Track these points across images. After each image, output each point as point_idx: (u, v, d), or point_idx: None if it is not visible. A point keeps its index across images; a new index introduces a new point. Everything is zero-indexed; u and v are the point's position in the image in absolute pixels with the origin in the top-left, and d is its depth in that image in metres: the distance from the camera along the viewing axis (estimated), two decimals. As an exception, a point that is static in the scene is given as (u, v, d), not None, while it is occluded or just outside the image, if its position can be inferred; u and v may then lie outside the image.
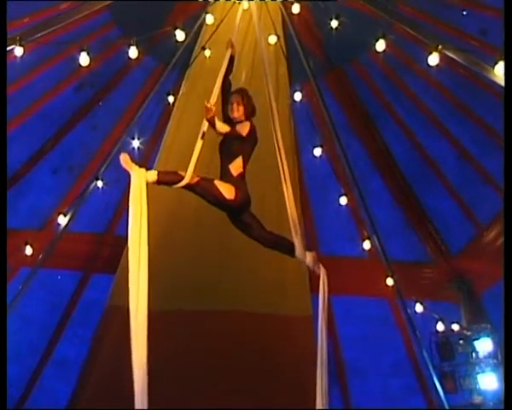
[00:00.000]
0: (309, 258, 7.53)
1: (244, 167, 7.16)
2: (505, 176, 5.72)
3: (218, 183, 6.95)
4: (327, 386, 7.15)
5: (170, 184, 6.82)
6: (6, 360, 5.76)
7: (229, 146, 7.24)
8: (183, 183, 6.74)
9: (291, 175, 11.07)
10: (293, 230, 7.36)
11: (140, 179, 6.44)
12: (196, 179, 6.85)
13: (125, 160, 6.55)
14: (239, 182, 7.04)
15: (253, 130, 7.25)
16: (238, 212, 7.19)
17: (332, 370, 14.53)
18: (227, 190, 6.92)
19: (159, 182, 6.68)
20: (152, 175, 6.56)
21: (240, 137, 7.16)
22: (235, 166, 7.12)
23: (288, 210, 7.53)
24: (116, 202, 13.91)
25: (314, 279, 12.93)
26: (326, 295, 7.68)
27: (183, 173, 6.76)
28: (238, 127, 7.23)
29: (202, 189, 6.92)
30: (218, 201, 6.98)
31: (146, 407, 5.76)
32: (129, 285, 5.93)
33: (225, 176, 7.10)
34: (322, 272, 7.68)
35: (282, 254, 7.64)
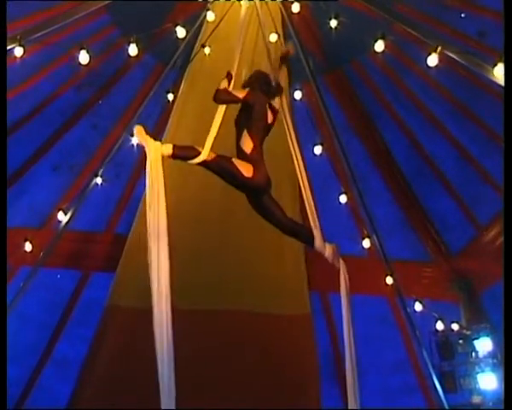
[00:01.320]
0: (328, 250, 7.36)
1: (255, 144, 6.98)
2: (505, 176, 5.72)
3: (236, 160, 6.80)
4: (356, 386, 7.01)
5: (186, 159, 6.67)
6: (6, 360, 5.75)
7: (236, 121, 7.16)
8: (200, 158, 6.62)
9: (292, 173, 11.13)
10: (311, 221, 7.26)
11: (156, 153, 6.32)
12: (213, 156, 6.70)
13: (139, 132, 6.46)
14: (255, 160, 6.87)
15: (251, 97, 7.10)
16: (258, 192, 7.01)
17: (332, 369, 14.62)
18: (245, 168, 6.77)
19: (174, 156, 6.56)
20: (167, 148, 6.46)
21: (242, 106, 7.09)
22: (245, 144, 6.96)
23: (306, 202, 7.43)
24: (116, 201, 13.93)
25: (312, 277, 13.08)
26: (348, 291, 7.54)
27: (200, 149, 6.63)
28: (235, 91, 7.19)
29: (219, 166, 6.77)
30: (235, 179, 6.82)
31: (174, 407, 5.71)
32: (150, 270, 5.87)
33: (240, 155, 6.94)
34: (343, 268, 7.52)
35: (301, 243, 7.46)
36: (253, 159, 6.88)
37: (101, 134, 13.55)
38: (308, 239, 7.28)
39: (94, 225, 14.14)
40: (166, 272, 5.92)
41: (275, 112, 7.44)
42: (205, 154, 6.60)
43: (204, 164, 6.70)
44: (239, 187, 7.02)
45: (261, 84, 7.40)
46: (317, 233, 7.14)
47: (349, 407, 6.82)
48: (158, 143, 6.42)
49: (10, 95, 10.36)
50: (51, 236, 12.47)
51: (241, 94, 7.10)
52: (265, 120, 7.22)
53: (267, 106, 7.29)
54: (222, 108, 7.29)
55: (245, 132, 7.01)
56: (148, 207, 6.07)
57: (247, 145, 6.95)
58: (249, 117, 7.06)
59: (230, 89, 7.33)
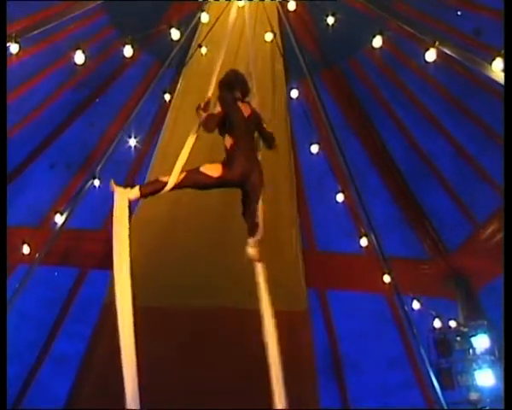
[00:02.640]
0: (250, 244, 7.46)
1: (235, 140, 7.07)
2: (505, 175, 5.73)
3: (204, 167, 6.93)
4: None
5: (155, 193, 6.86)
6: (6, 360, 5.78)
7: (220, 131, 7.25)
8: (168, 187, 6.77)
9: (288, 171, 11.14)
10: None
11: (122, 198, 6.64)
12: (182, 176, 6.84)
13: (111, 185, 6.74)
14: (232, 155, 6.98)
15: (224, 105, 7.17)
16: (238, 185, 7.14)
17: (329, 365, 14.67)
18: (213, 170, 6.91)
19: (142, 196, 6.79)
20: (134, 192, 6.70)
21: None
22: (226, 141, 7.11)
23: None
24: (112, 198, 13.93)
25: (310, 274, 13.11)
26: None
27: (165, 179, 6.78)
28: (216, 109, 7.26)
29: (190, 181, 6.93)
30: (207, 184, 6.98)
31: (138, 407, 5.79)
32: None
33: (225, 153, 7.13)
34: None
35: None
36: (231, 154, 7.01)
37: (98, 133, 13.55)
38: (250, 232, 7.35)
39: (91, 223, 14.14)
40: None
41: (248, 104, 7.50)
42: (171, 182, 6.77)
43: (175, 188, 6.85)
44: (218, 187, 7.15)
45: (230, 84, 7.47)
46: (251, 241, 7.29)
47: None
48: (126, 189, 6.68)
49: (10, 95, 10.39)
50: (48, 234, 12.51)
51: (220, 107, 7.20)
52: (240, 115, 7.27)
53: (238, 102, 7.35)
54: (191, 139, 7.43)
55: (226, 136, 7.15)
56: (114, 252, 6.47)
57: (228, 141, 7.10)
58: (227, 122, 7.16)
59: (211, 110, 7.40)
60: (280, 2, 11.46)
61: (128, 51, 9.94)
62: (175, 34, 10.53)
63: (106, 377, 12.11)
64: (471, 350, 13.05)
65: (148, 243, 12.39)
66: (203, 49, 11.34)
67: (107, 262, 13.13)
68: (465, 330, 13.25)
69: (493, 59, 8.46)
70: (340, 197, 13.01)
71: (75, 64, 9.76)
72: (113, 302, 12.48)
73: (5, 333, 6.00)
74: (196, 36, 11.67)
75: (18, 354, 13.22)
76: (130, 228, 6.39)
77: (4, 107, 7.09)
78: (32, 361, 14.35)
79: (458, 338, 13.24)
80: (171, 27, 10.44)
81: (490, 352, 12.87)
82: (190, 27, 11.32)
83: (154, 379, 11.75)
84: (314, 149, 12.76)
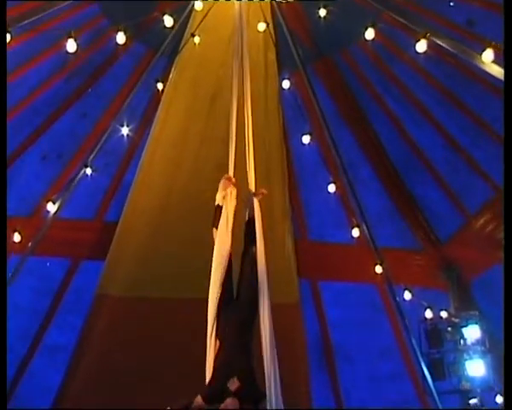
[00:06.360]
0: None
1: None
2: (505, 174, 5.73)
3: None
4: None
5: None
6: (6, 360, 5.77)
7: None
8: None
9: (280, 162, 11.12)
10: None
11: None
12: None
13: None
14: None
15: None
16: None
17: (321, 355, 14.70)
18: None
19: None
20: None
21: None
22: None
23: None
24: (105, 189, 13.92)
25: (302, 264, 13.13)
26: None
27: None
28: None
29: None
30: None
31: None
32: None
33: None
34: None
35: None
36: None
37: (90, 123, 13.50)
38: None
39: (83, 213, 14.11)
40: None
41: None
42: None
43: None
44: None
45: None
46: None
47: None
48: None
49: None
50: (40, 224, 12.48)
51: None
52: None
53: None
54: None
55: None
56: None
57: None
58: None
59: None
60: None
61: (121, 38, 9.89)
62: (168, 21, 10.48)
63: (97, 368, 12.17)
64: (462, 341, 13.11)
65: (141, 231, 12.42)
66: (196, 39, 11.32)
67: (99, 253, 13.29)
68: (456, 320, 13.31)
69: (483, 50, 8.48)
70: (332, 188, 13.01)
71: (67, 53, 9.72)
72: (104, 294, 12.57)
73: (5, 333, 5.98)
74: (189, 25, 11.63)
75: (10, 343, 13.18)
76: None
77: (4, 102, 7.04)
78: (23, 351, 14.30)
79: (449, 329, 13.30)
80: (164, 14, 10.39)
81: (481, 342, 12.95)
82: (183, 16, 11.29)
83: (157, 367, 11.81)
84: (306, 139, 12.75)
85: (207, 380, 6.72)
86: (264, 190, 7.46)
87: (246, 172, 7.84)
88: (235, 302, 7.11)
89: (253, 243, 7.14)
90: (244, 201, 7.54)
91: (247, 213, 7.54)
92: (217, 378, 6.62)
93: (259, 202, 7.37)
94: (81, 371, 12.41)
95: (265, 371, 6.57)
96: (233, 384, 6.43)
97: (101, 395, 12.05)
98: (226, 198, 7.38)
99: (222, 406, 6.29)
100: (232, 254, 7.19)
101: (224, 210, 7.31)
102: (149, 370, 11.96)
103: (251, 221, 7.32)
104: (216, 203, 7.38)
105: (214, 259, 7.13)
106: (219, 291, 6.98)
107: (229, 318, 6.96)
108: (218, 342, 6.94)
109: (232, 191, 7.43)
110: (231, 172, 7.82)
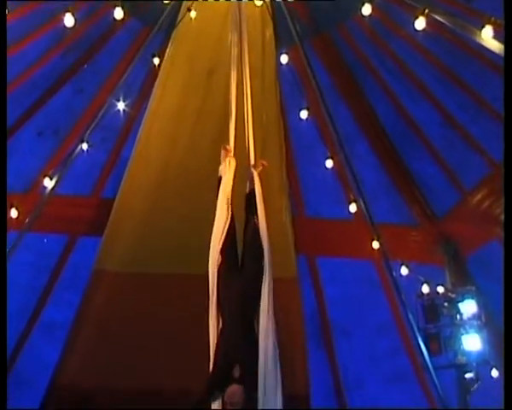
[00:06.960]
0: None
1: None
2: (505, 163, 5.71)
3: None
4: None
5: None
6: (6, 359, 5.78)
7: None
8: None
9: (278, 138, 11.07)
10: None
11: None
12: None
13: None
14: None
15: None
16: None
17: (318, 331, 14.76)
18: None
19: None
20: None
21: None
22: None
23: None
24: (102, 165, 13.90)
25: (299, 240, 13.13)
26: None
27: None
28: None
29: None
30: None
31: None
32: None
33: None
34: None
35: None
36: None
37: (86, 98, 13.44)
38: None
39: (80, 190, 14.09)
40: None
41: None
42: None
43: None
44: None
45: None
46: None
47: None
48: None
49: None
50: (37, 201, 12.45)
51: None
52: None
53: None
54: None
55: None
56: None
57: None
58: None
59: None
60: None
61: (118, 13, 9.84)
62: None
63: (94, 343, 12.22)
64: (458, 315, 13.13)
65: (138, 207, 12.41)
66: (192, 14, 11.24)
67: (96, 229, 13.28)
68: (453, 295, 13.32)
69: (483, 26, 8.43)
70: (329, 163, 12.99)
71: (64, 27, 9.66)
72: (101, 270, 12.58)
73: (5, 334, 6.00)
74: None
75: (7, 320, 13.20)
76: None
77: (4, 98, 7.03)
78: (21, 328, 14.32)
79: (446, 304, 13.31)
80: None
81: (477, 317, 12.97)
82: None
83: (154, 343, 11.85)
84: (303, 114, 12.72)
85: (211, 363, 6.75)
86: (264, 162, 7.52)
87: (245, 145, 7.85)
88: (239, 270, 7.16)
89: (253, 214, 7.23)
90: (244, 173, 7.61)
91: (247, 186, 7.58)
92: (220, 366, 6.66)
93: (259, 174, 7.43)
94: (78, 347, 12.46)
95: (260, 345, 6.62)
96: (237, 372, 6.51)
97: (99, 370, 12.11)
98: (224, 168, 7.45)
99: (227, 393, 6.38)
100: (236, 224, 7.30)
101: (222, 180, 7.39)
102: (147, 345, 12.01)
103: (251, 193, 7.38)
104: (219, 175, 7.46)
105: (214, 227, 7.31)
106: (219, 258, 7.06)
107: (232, 287, 7.00)
108: (220, 318, 6.97)
109: (231, 161, 7.49)
110: (232, 144, 7.85)
